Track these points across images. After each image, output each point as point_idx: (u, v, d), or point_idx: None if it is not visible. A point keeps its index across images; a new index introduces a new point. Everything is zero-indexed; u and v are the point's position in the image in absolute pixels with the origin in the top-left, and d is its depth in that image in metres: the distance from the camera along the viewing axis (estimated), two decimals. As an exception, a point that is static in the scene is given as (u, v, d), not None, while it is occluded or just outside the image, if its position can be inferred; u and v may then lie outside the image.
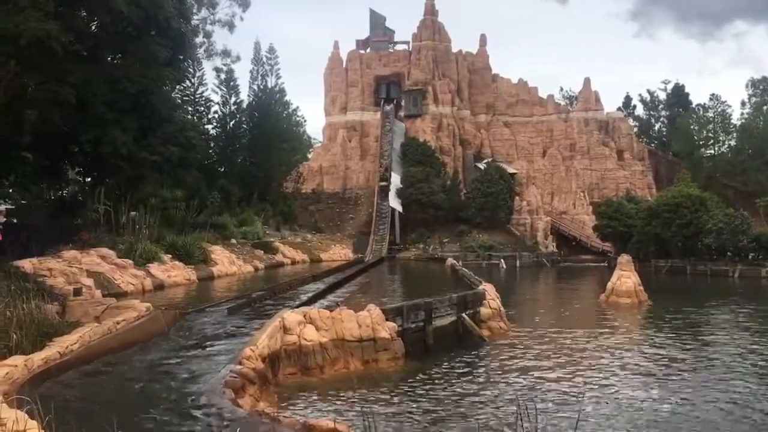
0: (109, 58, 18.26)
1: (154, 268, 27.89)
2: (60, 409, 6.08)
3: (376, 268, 45.11)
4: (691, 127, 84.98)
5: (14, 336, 11.01)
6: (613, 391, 13.05)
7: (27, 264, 21.02)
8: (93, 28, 17.98)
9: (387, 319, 16.31)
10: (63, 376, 10.28)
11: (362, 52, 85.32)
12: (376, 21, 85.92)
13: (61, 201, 36.63)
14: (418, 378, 14.12)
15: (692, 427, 10.69)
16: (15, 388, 8.52)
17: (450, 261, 47.67)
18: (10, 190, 36.58)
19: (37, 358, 10.31)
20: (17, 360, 9.84)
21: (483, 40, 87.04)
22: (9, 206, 37.28)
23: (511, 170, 75.87)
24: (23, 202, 38.04)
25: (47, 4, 13.99)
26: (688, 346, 18.52)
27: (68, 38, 14.78)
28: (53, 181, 34.73)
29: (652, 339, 20.09)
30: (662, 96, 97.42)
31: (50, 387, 9.31)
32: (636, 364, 15.96)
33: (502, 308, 21.93)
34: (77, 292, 19.82)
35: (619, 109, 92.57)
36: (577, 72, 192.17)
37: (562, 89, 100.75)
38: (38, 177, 29.79)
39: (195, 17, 22.40)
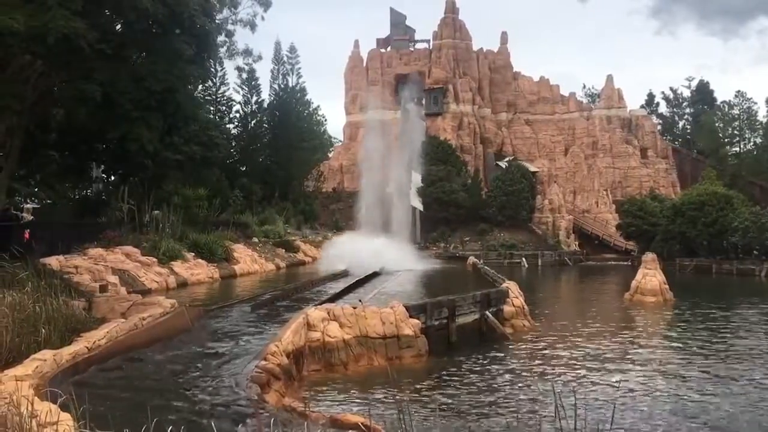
0: (134, 56, 18.39)
1: (178, 266, 28.07)
2: (91, 402, 6.11)
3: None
4: (716, 124, 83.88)
5: (43, 331, 11.13)
6: (643, 387, 12.89)
7: (53, 261, 21.26)
8: (118, 26, 18.14)
9: (410, 316, 16.29)
10: (91, 370, 10.36)
11: (382, 50, 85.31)
12: (397, 20, 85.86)
13: (86, 200, 37.06)
14: (442, 374, 14.06)
15: (727, 423, 10.52)
16: (45, 382, 8.60)
17: (471, 259, 47.48)
18: (36, 189, 37.12)
19: (66, 353, 10.40)
20: (46, 354, 9.94)
21: (504, 37, 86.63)
22: (35, 205, 37.81)
23: (532, 169, 75.43)
24: (49, 201, 38.56)
25: (74, 2, 14.12)
26: (716, 344, 18.25)
27: (94, 36, 14.91)
28: (78, 180, 35.13)
29: (679, 337, 19.83)
30: (686, 93, 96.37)
31: (79, 381, 9.38)
32: (664, 361, 15.76)
33: (525, 306, 21.78)
34: (103, 289, 20.06)
35: (642, 106, 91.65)
36: (598, 70, 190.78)
37: (584, 86, 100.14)
38: (64, 176, 30.15)
39: (217, 17, 22.57)
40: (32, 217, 21.51)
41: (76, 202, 37.69)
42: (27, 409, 5.89)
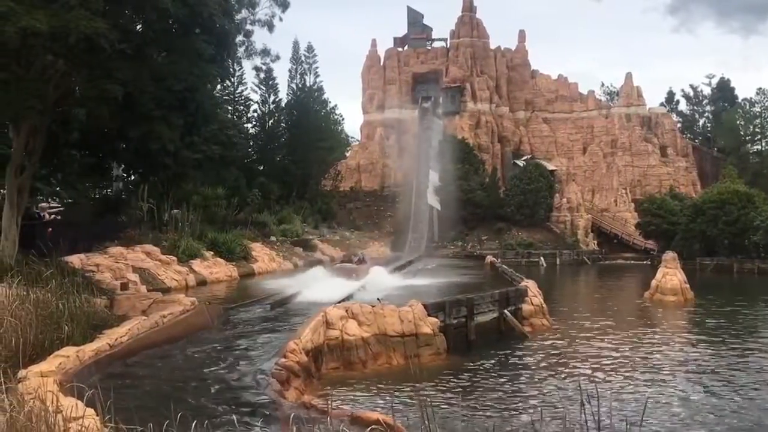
0: (155, 56, 18.51)
1: (197, 264, 28.29)
2: (114, 397, 6.17)
3: (414, 266, 44.97)
4: (737, 122, 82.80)
5: (66, 328, 11.27)
6: (666, 386, 12.78)
7: (75, 259, 21.52)
8: (139, 26, 18.27)
9: (429, 315, 16.27)
10: (113, 367, 10.46)
11: (400, 49, 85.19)
12: (414, 18, 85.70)
13: (106, 199, 37.43)
14: (461, 373, 14.03)
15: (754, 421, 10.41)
16: (68, 378, 8.70)
17: (489, 258, 47.33)
18: (58, 189, 37.54)
19: (88, 349, 10.52)
20: (69, 351, 10.06)
21: (522, 36, 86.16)
22: (57, 204, 38.25)
23: (550, 167, 74.92)
24: (70, 200, 38.99)
25: (96, 2, 14.25)
26: (738, 344, 18.04)
27: (116, 36, 15.03)
28: (99, 180, 35.46)
29: (700, 336, 19.62)
30: (706, 91, 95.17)
31: (102, 376, 9.47)
32: (686, 360, 15.61)
33: (544, 305, 21.67)
34: (124, 287, 20.27)
35: (661, 104, 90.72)
36: (616, 68, 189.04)
37: (602, 84, 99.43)
38: (85, 175, 30.45)
39: (236, 17, 22.66)
40: (53, 216, 21.76)
41: (97, 201, 38.07)
42: (52, 404, 5.96)
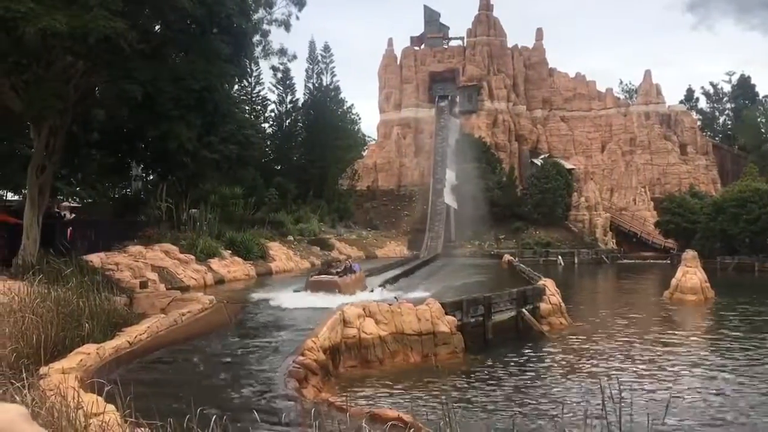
0: (173, 56, 18.64)
1: (215, 263, 28.42)
2: (134, 394, 6.21)
3: (432, 265, 44.93)
4: (758, 119, 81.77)
5: (86, 325, 11.38)
6: (686, 385, 12.64)
7: (95, 258, 21.71)
8: (157, 26, 18.41)
9: (446, 314, 16.23)
10: (133, 364, 10.54)
11: (416, 48, 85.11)
12: (431, 17, 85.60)
13: (126, 199, 37.73)
14: (479, 371, 13.97)
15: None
16: (89, 375, 8.78)
17: (507, 257, 47.15)
18: (78, 188, 37.92)
19: (109, 347, 10.61)
20: (90, 348, 10.15)
21: (539, 34, 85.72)
22: (77, 204, 38.64)
23: (568, 166, 74.50)
24: (90, 200, 39.38)
25: (115, 3, 14.37)
26: (759, 343, 17.80)
27: (134, 36, 15.16)
28: (119, 179, 35.79)
29: (721, 335, 19.38)
30: (727, 88, 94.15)
31: (121, 374, 9.54)
32: (706, 359, 15.43)
33: (562, 304, 21.54)
34: (143, 285, 20.41)
35: (681, 102, 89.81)
36: (634, 66, 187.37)
37: (621, 82, 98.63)
38: (104, 175, 30.75)
39: (253, 17, 22.79)
40: (74, 215, 21.99)
41: (116, 200, 38.41)
42: (73, 400, 6.01)
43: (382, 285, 23.57)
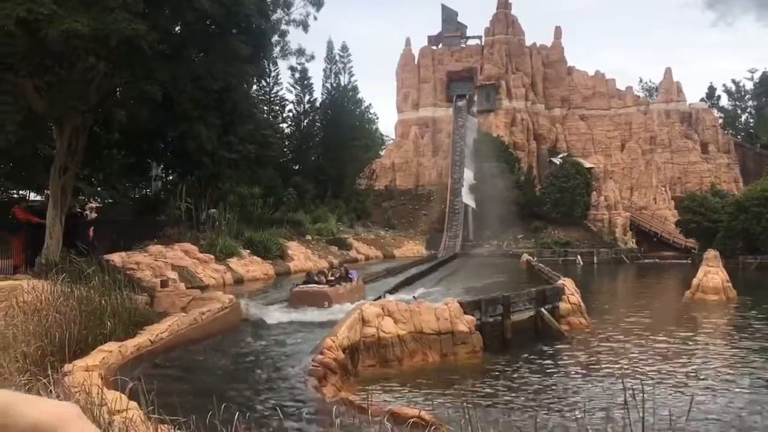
0: (192, 56, 18.80)
1: (234, 262, 28.63)
2: (156, 391, 6.28)
3: (449, 265, 44.90)
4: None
5: (109, 323, 11.49)
6: (709, 386, 12.51)
7: (116, 258, 21.94)
8: (177, 27, 18.57)
9: (465, 313, 16.20)
10: (155, 361, 10.64)
11: (434, 48, 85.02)
12: (449, 16, 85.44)
13: (146, 199, 38.10)
14: (498, 370, 13.93)
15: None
16: (111, 372, 8.88)
17: (525, 257, 46.95)
18: (99, 188, 38.33)
19: (130, 345, 10.72)
20: (112, 346, 10.26)
21: (558, 32, 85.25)
22: (98, 204, 39.05)
23: (587, 165, 73.99)
24: (111, 200, 39.79)
25: (136, 4, 14.52)
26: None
27: (155, 37, 15.30)
28: (139, 179, 36.13)
29: (743, 336, 19.14)
30: (749, 86, 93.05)
31: (143, 371, 9.64)
32: (729, 360, 15.25)
33: (582, 303, 21.38)
34: (164, 284, 20.53)
35: (702, 100, 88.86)
36: (654, 64, 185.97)
37: (641, 80, 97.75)
38: (125, 175, 31.07)
39: (271, 17, 22.93)
40: (96, 215, 22.23)
41: (137, 201, 38.79)
42: (97, 396, 6.08)
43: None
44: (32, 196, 35.88)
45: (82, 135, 18.89)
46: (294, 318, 16.02)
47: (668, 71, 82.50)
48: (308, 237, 43.12)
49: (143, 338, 11.39)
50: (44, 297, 11.58)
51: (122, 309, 12.58)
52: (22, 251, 18.08)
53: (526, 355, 15.73)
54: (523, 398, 11.66)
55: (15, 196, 34.66)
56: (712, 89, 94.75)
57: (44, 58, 16.27)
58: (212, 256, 27.52)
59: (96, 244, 21.04)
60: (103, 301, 12.13)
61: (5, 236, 18.56)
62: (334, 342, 12.44)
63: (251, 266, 29.67)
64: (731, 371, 14.14)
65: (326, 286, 17.49)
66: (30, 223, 18.35)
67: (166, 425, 5.67)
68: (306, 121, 62.34)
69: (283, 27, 26.36)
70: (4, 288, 13.02)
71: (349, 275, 19.27)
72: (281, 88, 60.89)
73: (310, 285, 17.68)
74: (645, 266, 54.22)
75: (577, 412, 8.73)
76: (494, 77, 79.57)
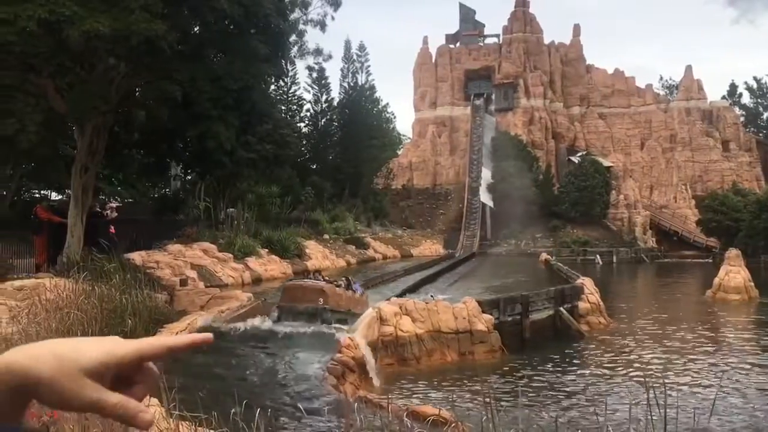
0: (211, 56, 18.93)
1: (252, 261, 28.75)
2: (177, 386, 6.31)
3: (467, 264, 44.79)
4: (804, 114, 79.64)
5: (129, 321, 11.60)
6: (732, 386, 12.36)
7: (136, 256, 22.13)
8: (196, 27, 18.70)
9: (483, 312, 16.15)
10: (175, 359, 10.71)
11: (452, 46, 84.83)
12: (466, 15, 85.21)
13: (165, 198, 38.40)
14: (517, 369, 13.88)
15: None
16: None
17: (544, 256, 46.72)
18: (119, 188, 38.72)
19: (151, 342, 10.80)
20: (133, 343, 10.35)
21: (576, 30, 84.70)
22: (118, 203, 39.44)
23: (606, 163, 73.39)
24: (130, 199, 40.18)
25: (155, 5, 14.65)
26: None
27: (174, 38, 15.43)
28: (158, 179, 36.46)
29: (766, 336, 18.90)
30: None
31: (163, 368, 9.71)
32: (751, 360, 15.05)
33: (601, 303, 21.24)
34: (183, 283, 20.74)
35: (723, 97, 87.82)
36: (674, 61, 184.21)
37: (661, 78, 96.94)
38: (144, 174, 31.35)
39: (289, 17, 23.04)
40: (116, 214, 22.45)
41: (156, 200, 39.11)
42: (119, 393, 6.12)
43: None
44: (54, 195, 36.34)
45: (102, 135, 19.09)
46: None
47: (689, 69, 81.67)
48: (326, 236, 43.22)
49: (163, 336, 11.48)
50: (66, 295, 11.71)
51: (142, 307, 12.69)
52: (45, 250, 18.31)
53: (545, 354, 15.65)
54: (542, 397, 11.60)
55: (37, 195, 35.12)
56: (733, 87, 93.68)
57: (65, 58, 16.46)
58: (231, 255, 27.65)
59: (117, 240, 21.24)
60: (123, 300, 12.24)
61: (28, 235, 18.81)
62: (352, 340, 12.46)
63: (269, 265, 29.78)
64: (754, 371, 13.97)
65: (322, 282, 15.31)
66: (52, 223, 18.57)
67: (187, 422, 5.71)
68: (323, 120, 62.51)
69: (301, 27, 26.55)
70: (26, 286, 13.21)
71: (353, 287, 16.73)
72: (299, 88, 61.20)
73: (304, 279, 15.88)
74: (665, 265, 53.69)
75: (598, 411, 8.66)
76: (512, 76, 79.23)
